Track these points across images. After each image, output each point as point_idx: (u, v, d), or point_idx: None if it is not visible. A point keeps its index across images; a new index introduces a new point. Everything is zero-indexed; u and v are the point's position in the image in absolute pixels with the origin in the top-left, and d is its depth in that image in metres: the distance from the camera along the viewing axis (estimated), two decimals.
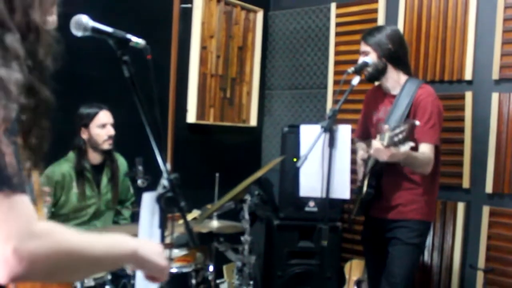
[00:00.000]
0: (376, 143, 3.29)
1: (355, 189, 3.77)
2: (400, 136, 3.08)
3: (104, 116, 3.82)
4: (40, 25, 1.20)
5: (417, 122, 3.13)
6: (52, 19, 1.31)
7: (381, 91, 3.77)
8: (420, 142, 3.51)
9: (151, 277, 1.63)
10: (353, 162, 3.64)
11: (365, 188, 3.61)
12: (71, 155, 3.81)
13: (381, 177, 3.63)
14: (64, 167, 3.76)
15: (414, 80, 3.73)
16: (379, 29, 3.72)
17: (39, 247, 1.12)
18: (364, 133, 3.98)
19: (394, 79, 3.68)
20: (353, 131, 3.60)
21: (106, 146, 3.82)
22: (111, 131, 3.83)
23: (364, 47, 3.67)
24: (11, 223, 1.09)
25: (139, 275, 1.91)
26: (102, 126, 3.80)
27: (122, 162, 4.05)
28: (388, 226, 3.64)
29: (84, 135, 3.81)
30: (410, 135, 3.08)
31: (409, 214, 3.62)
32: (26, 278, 1.12)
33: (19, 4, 1.17)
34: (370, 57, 3.59)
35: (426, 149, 3.49)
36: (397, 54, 3.65)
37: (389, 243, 3.64)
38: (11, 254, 1.07)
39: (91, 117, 3.79)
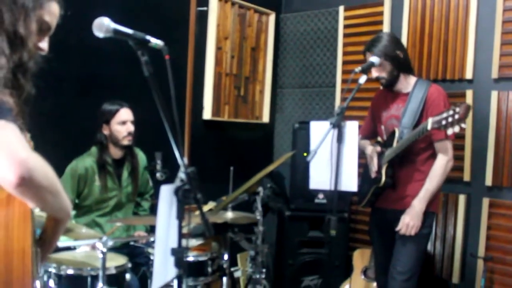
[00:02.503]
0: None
1: (371, 180, 3.74)
2: (450, 119, 3.10)
3: (125, 113, 3.81)
4: (24, 35, 1.53)
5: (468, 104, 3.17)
6: (43, 46, 1.64)
7: (391, 92, 3.73)
8: (437, 140, 3.51)
9: (43, 243, 1.70)
10: (360, 156, 3.61)
11: (383, 178, 3.59)
12: (93, 150, 3.81)
13: (397, 168, 3.62)
14: (87, 161, 3.76)
15: (423, 80, 3.74)
16: (378, 39, 3.61)
17: (37, 161, 1.36)
18: (370, 132, 3.97)
19: (406, 81, 3.67)
20: (359, 127, 3.58)
21: (126, 142, 3.81)
22: (130, 128, 3.82)
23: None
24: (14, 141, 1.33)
25: (157, 263, 1.91)
26: (122, 123, 3.79)
27: (141, 157, 4.04)
28: (397, 216, 3.59)
29: (106, 131, 3.80)
30: (464, 118, 3.12)
31: None
32: (27, 186, 1.33)
33: (7, 18, 1.52)
34: (375, 57, 3.55)
35: (440, 158, 3.52)
36: (404, 59, 3.64)
37: (397, 233, 3.60)
38: (25, 158, 1.30)
39: (112, 114, 3.79)
